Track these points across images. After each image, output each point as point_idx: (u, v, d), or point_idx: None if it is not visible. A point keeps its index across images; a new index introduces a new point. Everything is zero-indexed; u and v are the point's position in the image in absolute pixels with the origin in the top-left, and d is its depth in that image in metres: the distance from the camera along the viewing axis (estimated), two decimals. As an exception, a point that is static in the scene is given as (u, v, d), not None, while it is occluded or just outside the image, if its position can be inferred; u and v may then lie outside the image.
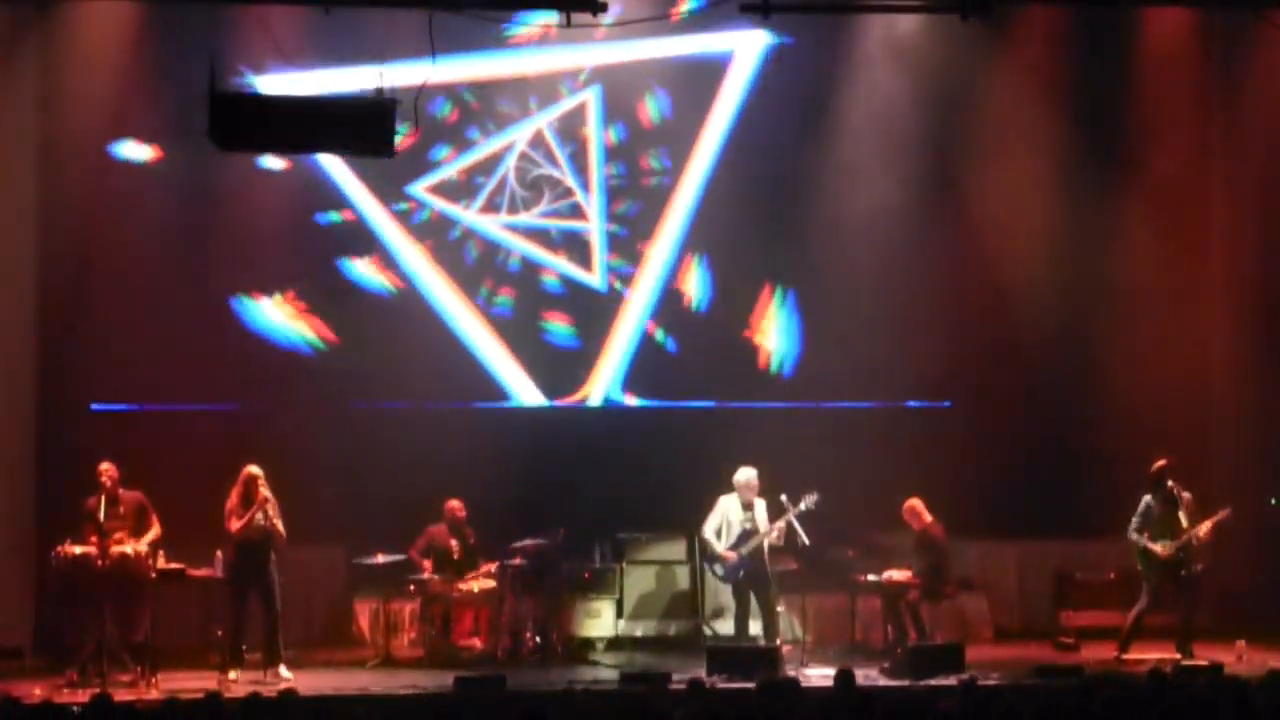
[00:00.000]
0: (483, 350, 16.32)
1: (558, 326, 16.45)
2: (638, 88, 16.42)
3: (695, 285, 16.50)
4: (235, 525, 13.34)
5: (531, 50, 16.14)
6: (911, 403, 16.42)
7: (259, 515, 13.29)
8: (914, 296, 16.27)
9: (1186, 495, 14.04)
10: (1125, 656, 13.80)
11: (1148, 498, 14.09)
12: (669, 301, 16.52)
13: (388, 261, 16.17)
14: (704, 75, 16.45)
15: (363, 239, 16.16)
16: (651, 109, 16.48)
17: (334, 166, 15.95)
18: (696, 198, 16.46)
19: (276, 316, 15.88)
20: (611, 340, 16.47)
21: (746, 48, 16.37)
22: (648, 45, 16.12)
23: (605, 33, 15.45)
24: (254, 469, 13.48)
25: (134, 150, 15.53)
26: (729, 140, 16.45)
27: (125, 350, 15.27)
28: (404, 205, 16.26)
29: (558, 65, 16.30)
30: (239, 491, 13.45)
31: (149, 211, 15.46)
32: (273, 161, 15.38)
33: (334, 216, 16.13)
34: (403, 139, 11.36)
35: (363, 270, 16.14)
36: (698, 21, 15.88)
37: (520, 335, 16.35)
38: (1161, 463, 14.12)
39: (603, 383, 16.46)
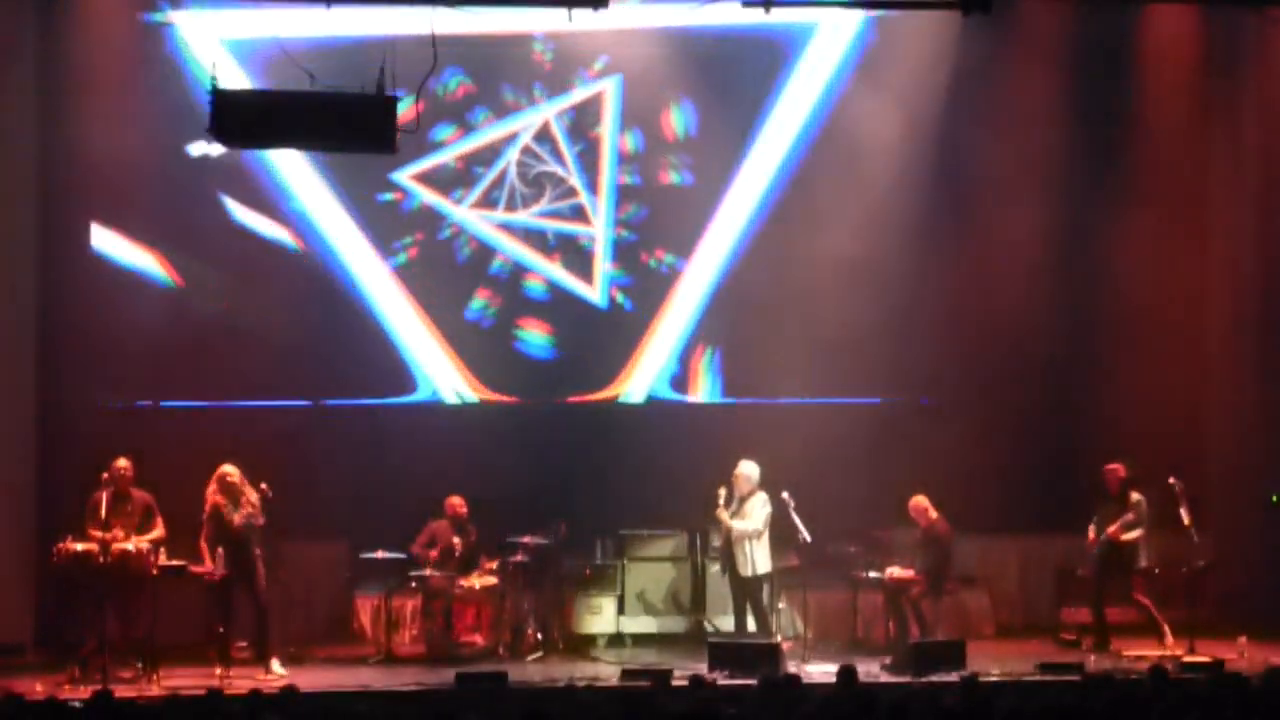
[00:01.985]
0: (427, 351, 16.19)
1: (532, 335, 16.37)
2: (660, 89, 16.22)
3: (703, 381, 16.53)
4: (203, 541, 13.33)
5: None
6: (900, 399, 16.39)
7: (243, 511, 13.27)
8: (914, 294, 16.25)
9: (1133, 495, 14.26)
10: (1122, 650, 13.87)
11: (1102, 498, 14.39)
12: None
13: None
14: (736, 74, 16.25)
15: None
16: (676, 120, 16.31)
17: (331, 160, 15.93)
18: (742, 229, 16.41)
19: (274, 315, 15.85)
20: (642, 351, 16.41)
21: (836, 26, 16.05)
22: (668, 26, 15.78)
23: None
24: (229, 468, 13.45)
25: (135, 148, 15.50)
26: (753, 152, 16.36)
27: (127, 347, 15.26)
28: (390, 195, 16.13)
29: (575, 27, 15.09)
30: (216, 493, 13.40)
31: (149, 210, 15.45)
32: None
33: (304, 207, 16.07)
34: (405, 111, 11.40)
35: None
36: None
37: (490, 341, 16.24)
38: (1113, 466, 14.39)
39: (641, 382, 16.43)
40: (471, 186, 16.24)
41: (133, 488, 13.33)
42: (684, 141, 16.37)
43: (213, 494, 13.39)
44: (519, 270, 16.31)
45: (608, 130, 16.29)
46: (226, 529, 13.30)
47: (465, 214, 16.26)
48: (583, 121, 16.31)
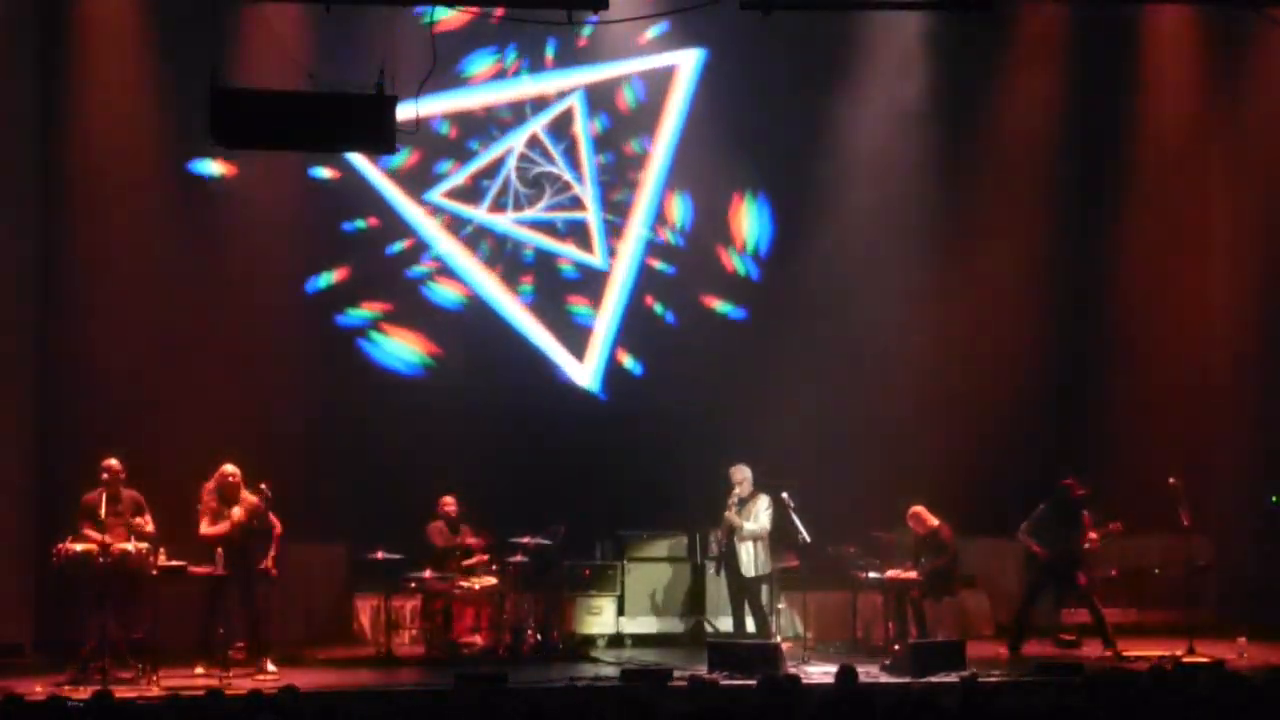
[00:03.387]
0: (531, 334, 16.49)
1: (579, 308, 16.59)
2: (614, 86, 16.58)
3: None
4: (207, 529, 13.33)
5: (512, 83, 16.49)
6: (903, 399, 16.41)
7: (240, 514, 13.28)
8: (913, 293, 16.26)
9: (1086, 513, 14.28)
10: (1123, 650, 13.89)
11: (1043, 505, 14.35)
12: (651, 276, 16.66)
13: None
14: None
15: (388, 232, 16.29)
16: (628, 96, 16.64)
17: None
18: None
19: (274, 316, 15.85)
20: (604, 313, 16.60)
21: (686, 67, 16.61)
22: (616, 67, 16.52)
23: (581, 55, 16.13)
24: (230, 467, 13.46)
25: (137, 148, 15.50)
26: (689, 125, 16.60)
27: (128, 348, 15.25)
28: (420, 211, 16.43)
29: (540, 90, 16.56)
30: (214, 490, 13.42)
31: (150, 209, 15.45)
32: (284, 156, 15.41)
33: (360, 223, 16.20)
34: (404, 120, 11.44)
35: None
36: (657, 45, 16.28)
37: (549, 319, 16.50)
38: (1067, 481, 14.34)
39: (598, 353, 16.59)
40: (482, 198, 16.43)
41: (123, 486, 13.33)
42: (637, 113, 16.63)
43: (209, 492, 13.39)
44: (545, 256, 16.55)
45: (580, 127, 16.57)
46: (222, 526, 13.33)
47: (484, 217, 16.39)
48: (562, 121, 16.58)
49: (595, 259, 16.63)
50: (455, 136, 16.41)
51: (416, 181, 16.26)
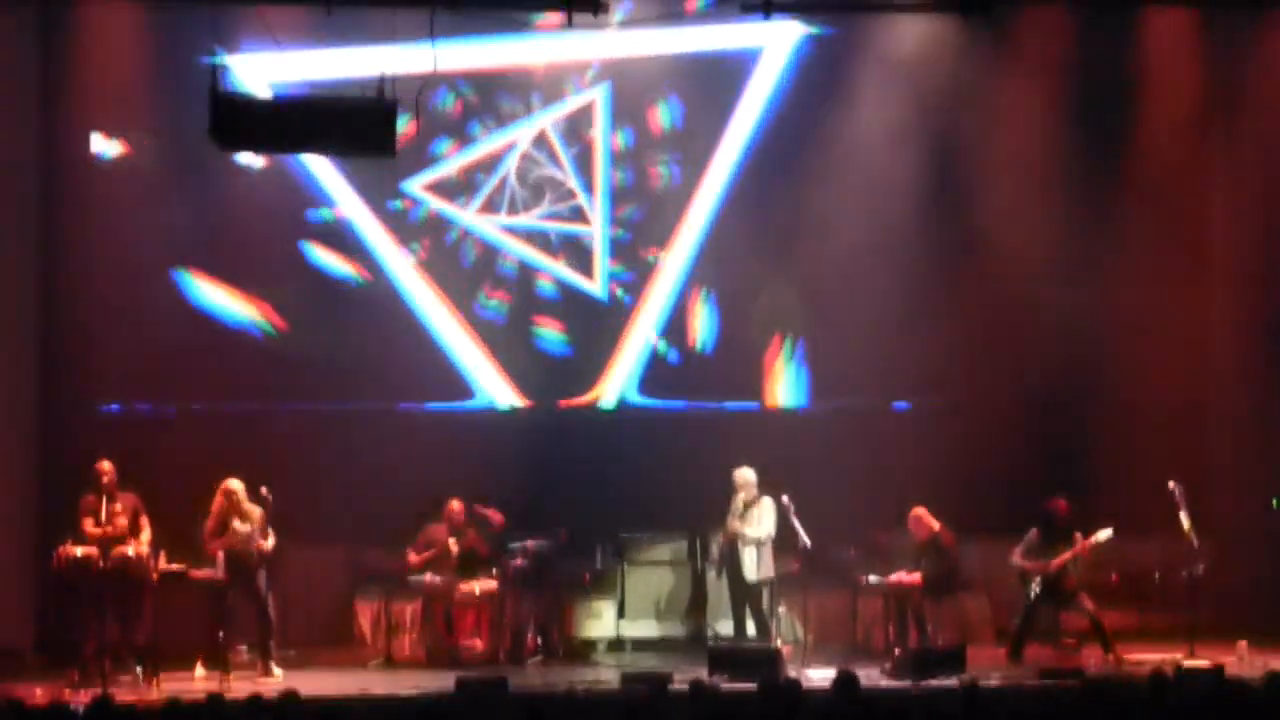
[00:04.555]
0: (462, 353, 16.14)
1: (549, 333, 16.35)
2: (648, 90, 16.28)
3: (701, 322, 16.43)
4: (214, 547, 13.34)
5: (540, 35, 15.84)
6: (904, 402, 16.39)
7: (243, 528, 13.28)
8: (914, 297, 16.24)
9: (1077, 534, 14.24)
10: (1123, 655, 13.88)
11: (1034, 530, 14.32)
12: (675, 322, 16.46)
13: (369, 260, 16.07)
14: (720, 77, 16.29)
15: (353, 240, 16.09)
16: (663, 115, 16.34)
17: (327, 166, 15.89)
18: (709, 220, 16.36)
19: (274, 316, 15.83)
20: (623, 346, 16.37)
21: (778, 41, 16.11)
22: (661, 38, 15.87)
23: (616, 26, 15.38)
24: (233, 483, 13.46)
25: (135, 149, 15.50)
26: (740, 149, 16.34)
27: (128, 350, 15.26)
28: (399, 204, 16.17)
29: (567, 55, 15.94)
30: (219, 508, 13.43)
31: (151, 211, 15.46)
32: (274, 160, 15.36)
33: (326, 214, 16.04)
34: (404, 128, 11.37)
35: (347, 269, 16.07)
36: (717, 14, 15.80)
37: (509, 340, 16.22)
38: (1056, 502, 14.32)
39: (614, 386, 16.36)
40: (474, 194, 16.26)
41: (118, 490, 13.33)
42: (671, 137, 16.38)
43: (218, 505, 13.40)
44: (527, 270, 16.31)
45: (600, 133, 16.31)
46: (229, 538, 13.33)
47: (471, 219, 16.27)
48: (578, 125, 16.34)
49: (594, 287, 16.37)
50: (460, 112, 16.17)
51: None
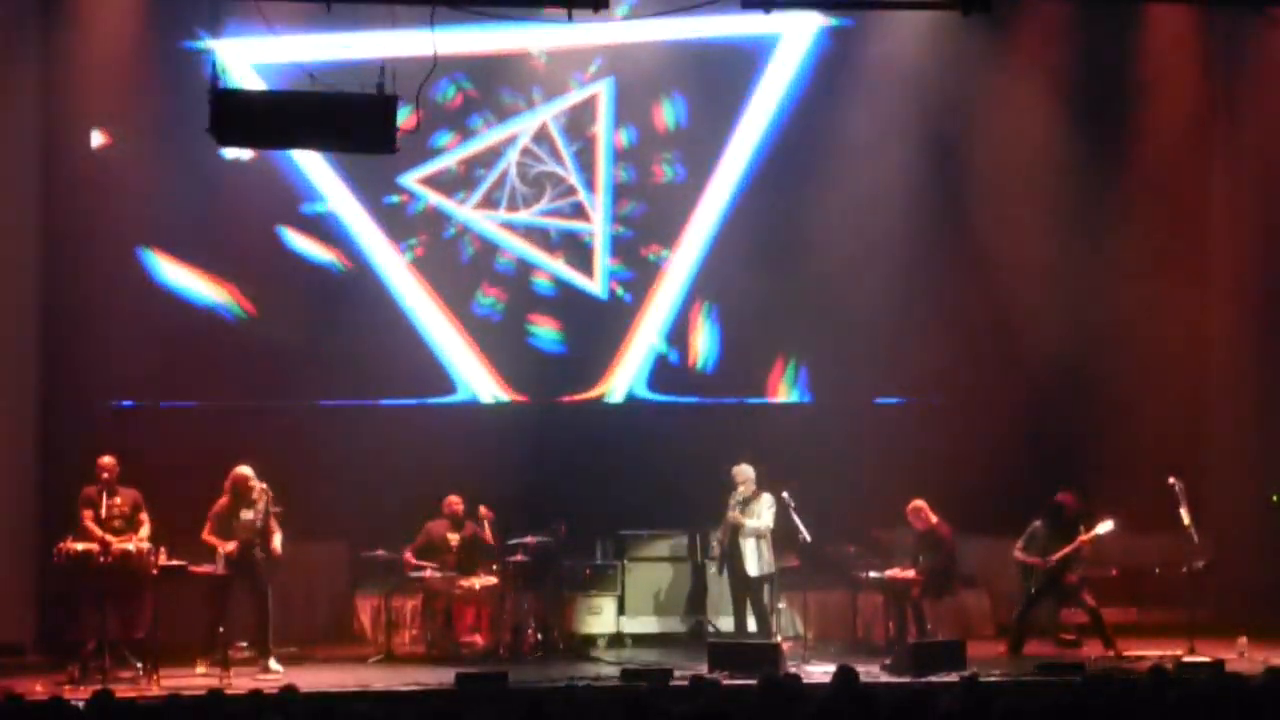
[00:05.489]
0: (450, 349, 16.11)
1: (545, 331, 16.34)
2: (653, 85, 16.22)
3: (702, 340, 16.43)
4: (215, 540, 13.34)
5: (543, 24, 15.73)
6: (903, 399, 16.38)
7: (253, 513, 13.30)
8: (915, 296, 16.25)
9: (1083, 527, 14.27)
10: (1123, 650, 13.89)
11: (1038, 522, 14.32)
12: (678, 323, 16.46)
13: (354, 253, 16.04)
14: (723, 74, 16.25)
15: (348, 236, 16.07)
16: (667, 111, 16.30)
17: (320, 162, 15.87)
18: (712, 218, 16.33)
19: (275, 313, 15.82)
20: (629, 342, 16.36)
21: (791, 34, 16.09)
22: (666, 32, 15.69)
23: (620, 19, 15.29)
24: (244, 469, 13.47)
25: (135, 145, 15.48)
26: (743, 147, 16.33)
27: (129, 347, 15.25)
28: (396, 198, 16.14)
29: (571, 42, 15.75)
30: (229, 493, 13.45)
31: (151, 209, 15.46)
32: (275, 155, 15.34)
33: (324, 209, 15.99)
34: (404, 121, 11.34)
35: (344, 264, 16.05)
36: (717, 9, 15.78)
37: (503, 337, 16.19)
38: (1063, 496, 14.35)
39: (622, 381, 16.36)
40: (474, 188, 16.22)
41: (120, 485, 13.34)
42: (675, 135, 16.34)
43: (226, 491, 13.42)
44: (525, 267, 16.27)
45: (603, 128, 16.26)
46: (232, 529, 13.33)
47: (469, 214, 16.24)
48: (580, 121, 16.29)
49: (593, 284, 16.36)
50: (460, 105, 16.12)
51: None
